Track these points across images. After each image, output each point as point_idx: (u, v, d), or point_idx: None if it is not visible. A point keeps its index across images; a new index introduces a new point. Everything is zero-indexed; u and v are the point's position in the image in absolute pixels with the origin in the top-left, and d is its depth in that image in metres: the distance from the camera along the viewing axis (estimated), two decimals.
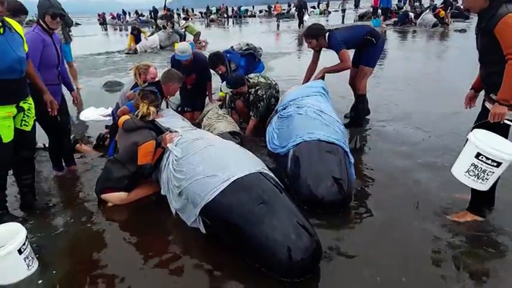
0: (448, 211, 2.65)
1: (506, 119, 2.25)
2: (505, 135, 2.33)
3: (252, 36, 17.85)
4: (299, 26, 19.80)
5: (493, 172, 2.23)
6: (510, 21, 2.11)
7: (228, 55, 4.99)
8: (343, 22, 21.54)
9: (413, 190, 2.99)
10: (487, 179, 2.27)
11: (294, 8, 24.71)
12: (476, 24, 2.36)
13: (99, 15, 41.50)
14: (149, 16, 35.53)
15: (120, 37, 22.63)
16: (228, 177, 2.38)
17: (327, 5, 36.32)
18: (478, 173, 2.27)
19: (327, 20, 24.24)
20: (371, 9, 20.97)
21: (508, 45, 2.14)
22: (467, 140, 2.33)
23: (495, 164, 2.20)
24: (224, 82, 4.25)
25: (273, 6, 34.30)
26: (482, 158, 2.22)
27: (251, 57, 5.19)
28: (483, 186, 2.31)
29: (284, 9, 33.60)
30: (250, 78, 4.25)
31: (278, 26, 24.16)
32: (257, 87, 4.14)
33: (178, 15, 28.28)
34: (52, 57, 3.15)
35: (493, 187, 2.45)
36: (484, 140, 2.23)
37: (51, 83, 3.16)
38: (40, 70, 3.02)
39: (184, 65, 4.54)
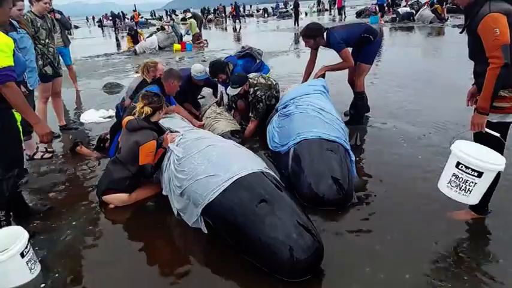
0: (450, 209, 2.62)
1: (488, 129, 2.14)
2: (501, 144, 2.20)
3: (251, 35, 17.83)
4: (294, 24, 20.98)
5: (475, 183, 2.12)
6: (490, 21, 1.98)
7: (226, 59, 5.02)
8: (344, 20, 21.72)
9: (415, 187, 2.98)
10: (470, 191, 2.15)
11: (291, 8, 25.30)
12: (464, 21, 2.27)
13: (93, 18, 41.67)
14: (110, 19, 35.51)
15: (119, 39, 22.60)
16: (229, 176, 2.38)
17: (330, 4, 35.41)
18: (459, 184, 2.17)
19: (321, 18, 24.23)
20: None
21: (489, 48, 2.02)
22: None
23: (476, 173, 2.09)
24: (229, 87, 4.15)
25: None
26: (461, 167, 2.13)
27: (249, 58, 5.17)
28: (467, 198, 2.19)
29: (260, 9, 36.56)
30: (250, 78, 4.22)
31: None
32: (256, 88, 4.11)
33: (170, 15, 28.09)
34: None
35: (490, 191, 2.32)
36: (466, 150, 2.14)
37: None
38: None
39: (194, 84, 4.53)
